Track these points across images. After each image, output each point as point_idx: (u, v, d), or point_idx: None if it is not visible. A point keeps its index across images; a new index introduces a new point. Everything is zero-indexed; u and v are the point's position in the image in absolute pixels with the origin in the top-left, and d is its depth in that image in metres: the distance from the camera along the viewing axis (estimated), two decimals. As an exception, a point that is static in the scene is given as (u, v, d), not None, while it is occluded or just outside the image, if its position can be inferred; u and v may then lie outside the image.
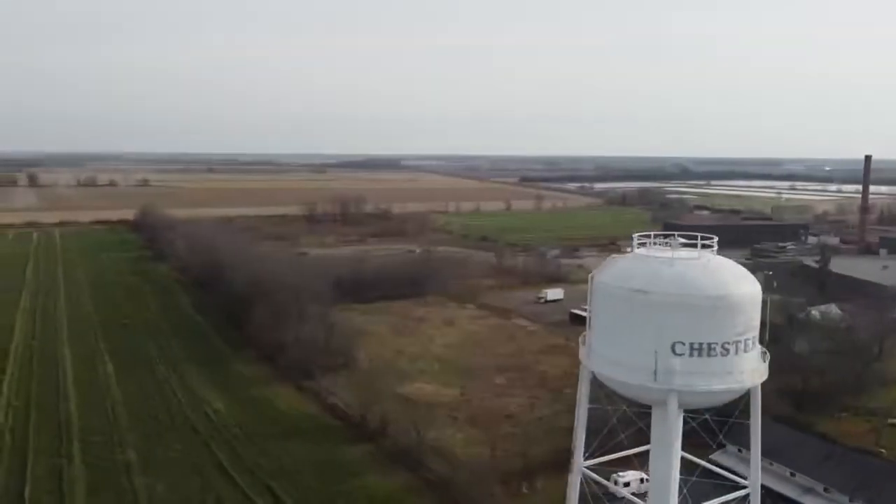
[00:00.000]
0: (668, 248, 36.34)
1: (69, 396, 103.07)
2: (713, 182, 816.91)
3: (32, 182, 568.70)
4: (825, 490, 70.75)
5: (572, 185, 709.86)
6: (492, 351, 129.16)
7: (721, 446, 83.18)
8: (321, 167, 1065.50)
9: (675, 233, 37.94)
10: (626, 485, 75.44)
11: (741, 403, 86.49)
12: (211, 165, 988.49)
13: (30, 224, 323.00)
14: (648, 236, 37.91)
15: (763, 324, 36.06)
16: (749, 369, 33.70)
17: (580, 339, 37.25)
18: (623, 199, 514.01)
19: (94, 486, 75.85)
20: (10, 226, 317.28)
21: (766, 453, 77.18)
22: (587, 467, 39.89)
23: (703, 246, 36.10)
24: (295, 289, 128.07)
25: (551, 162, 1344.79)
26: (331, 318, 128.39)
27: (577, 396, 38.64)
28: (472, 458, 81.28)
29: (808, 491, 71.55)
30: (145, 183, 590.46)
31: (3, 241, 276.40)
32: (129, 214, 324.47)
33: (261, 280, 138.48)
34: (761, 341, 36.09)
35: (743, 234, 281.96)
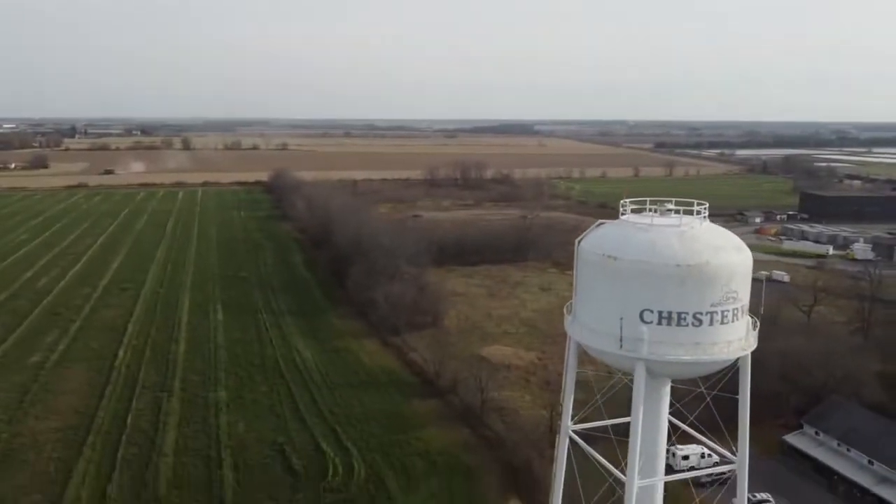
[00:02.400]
0: (655, 214, 35.18)
1: (180, 339, 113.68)
2: (875, 150, 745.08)
3: (186, 145, 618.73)
4: (905, 482, 65.42)
5: (711, 152, 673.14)
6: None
7: (798, 427, 79.00)
8: (453, 132, 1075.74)
9: (672, 199, 36.54)
10: (685, 458, 73.52)
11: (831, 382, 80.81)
12: (348, 130, 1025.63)
13: (178, 184, 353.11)
14: (644, 202, 36.77)
15: (759, 295, 34.26)
16: (726, 341, 32.17)
17: (565, 308, 37.10)
18: (764, 168, 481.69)
19: (185, 419, 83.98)
20: (161, 185, 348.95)
21: (844, 439, 72.84)
22: (574, 431, 39.94)
23: (695, 213, 34.63)
24: (389, 249, 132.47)
25: (693, 127, 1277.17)
26: (423, 279, 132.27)
27: (565, 362, 38.63)
28: (534, 421, 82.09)
29: (884, 481, 66.44)
30: (284, 147, 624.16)
31: (153, 198, 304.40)
32: (264, 176, 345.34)
33: (361, 240, 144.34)
34: (754, 313, 34.33)
35: (892, 207, 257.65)
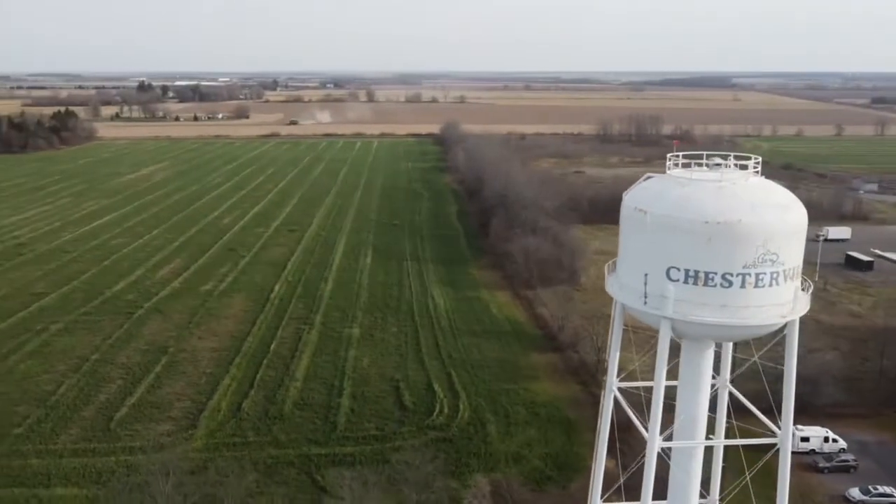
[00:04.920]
0: (701, 168, 33.24)
1: (329, 279, 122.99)
2: None
3: (369, 98, 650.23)
4: None
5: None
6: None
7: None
8: (640, 85, 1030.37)
9: (730, 154, 34.18)
10: (805, 440, 68.47)
11: None
12: (528, 83, 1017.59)
13: (357, 135, 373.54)
14: (701, 156, 34.74)
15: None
16: (759, 306, 30.08)
17: (606, 267, 36.56)
18: None
19: (319, 350, 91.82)
20: (343, 135, 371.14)
21: None
22: (620, 389, 39.47)
23: (744, 168, 32.36)
24: (531, 203, 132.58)
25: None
26: (564, 235, 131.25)
27: (611, 320, 38.09)
28: (646, 385, 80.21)
29: None
30: (462, 100, 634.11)
31: (332, 148, 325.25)
32: (437, 129, 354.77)
33: (507, 193, 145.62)
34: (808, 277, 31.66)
35: None
